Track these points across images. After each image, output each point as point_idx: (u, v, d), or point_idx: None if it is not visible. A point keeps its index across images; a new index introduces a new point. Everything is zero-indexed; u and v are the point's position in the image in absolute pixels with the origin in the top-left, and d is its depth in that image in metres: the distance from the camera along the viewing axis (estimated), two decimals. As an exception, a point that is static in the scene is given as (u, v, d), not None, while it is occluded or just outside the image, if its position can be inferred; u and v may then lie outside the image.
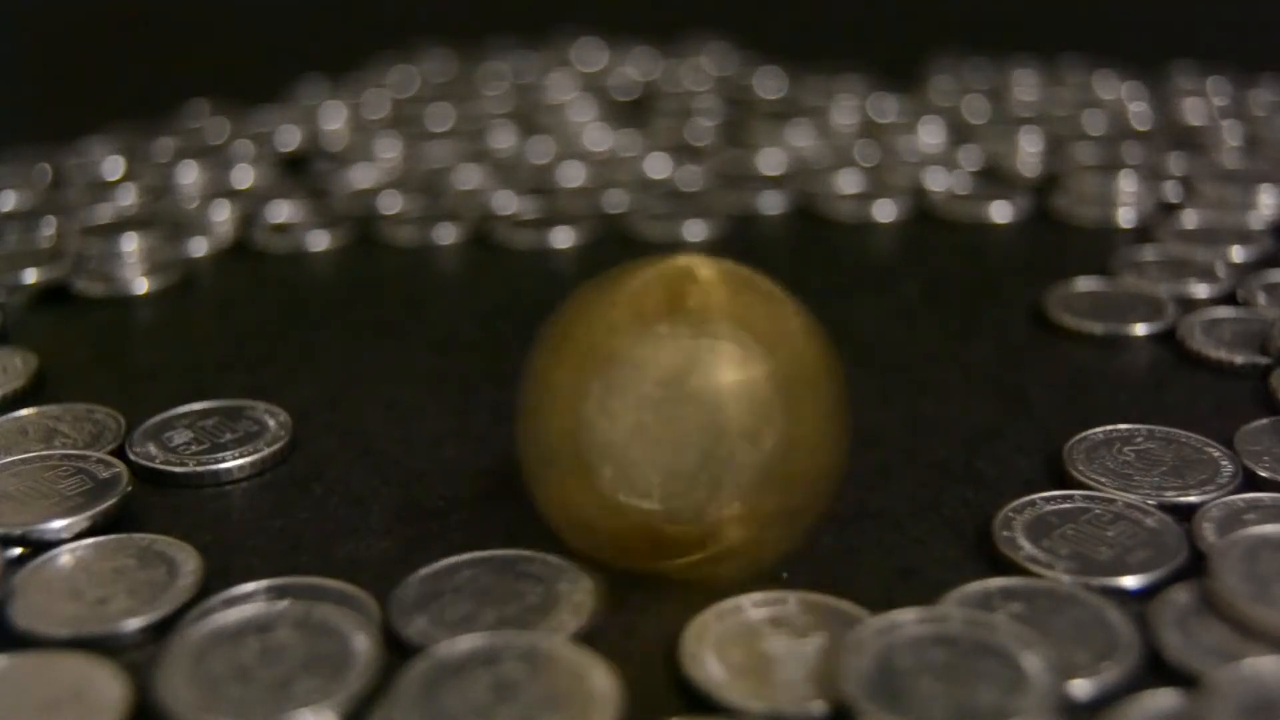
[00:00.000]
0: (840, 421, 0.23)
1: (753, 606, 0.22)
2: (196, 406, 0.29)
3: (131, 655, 0.22)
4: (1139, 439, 0.27)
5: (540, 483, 0.23)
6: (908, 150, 0.47)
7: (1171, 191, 0.42)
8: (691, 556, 0.22)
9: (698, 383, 0.21)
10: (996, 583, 0.23)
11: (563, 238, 0.40)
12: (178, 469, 0.27)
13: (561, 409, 0.22)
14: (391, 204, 0.43)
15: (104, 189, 0.44)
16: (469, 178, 0.45)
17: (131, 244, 0.39)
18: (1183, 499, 0.25)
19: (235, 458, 0.27)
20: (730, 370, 0.21)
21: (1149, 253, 0.37)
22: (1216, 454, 0.26)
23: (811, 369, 0.22)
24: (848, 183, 0.44)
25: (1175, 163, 0.44)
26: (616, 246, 0.40)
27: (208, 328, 0.36)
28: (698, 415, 0.21)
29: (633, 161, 0.46)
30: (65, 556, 0.24)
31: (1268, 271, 0.35)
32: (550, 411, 0.22)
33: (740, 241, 0.40)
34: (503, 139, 0.49)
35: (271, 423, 0.29)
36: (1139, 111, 0.50)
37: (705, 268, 0.22)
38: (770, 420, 0.21)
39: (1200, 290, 0.35)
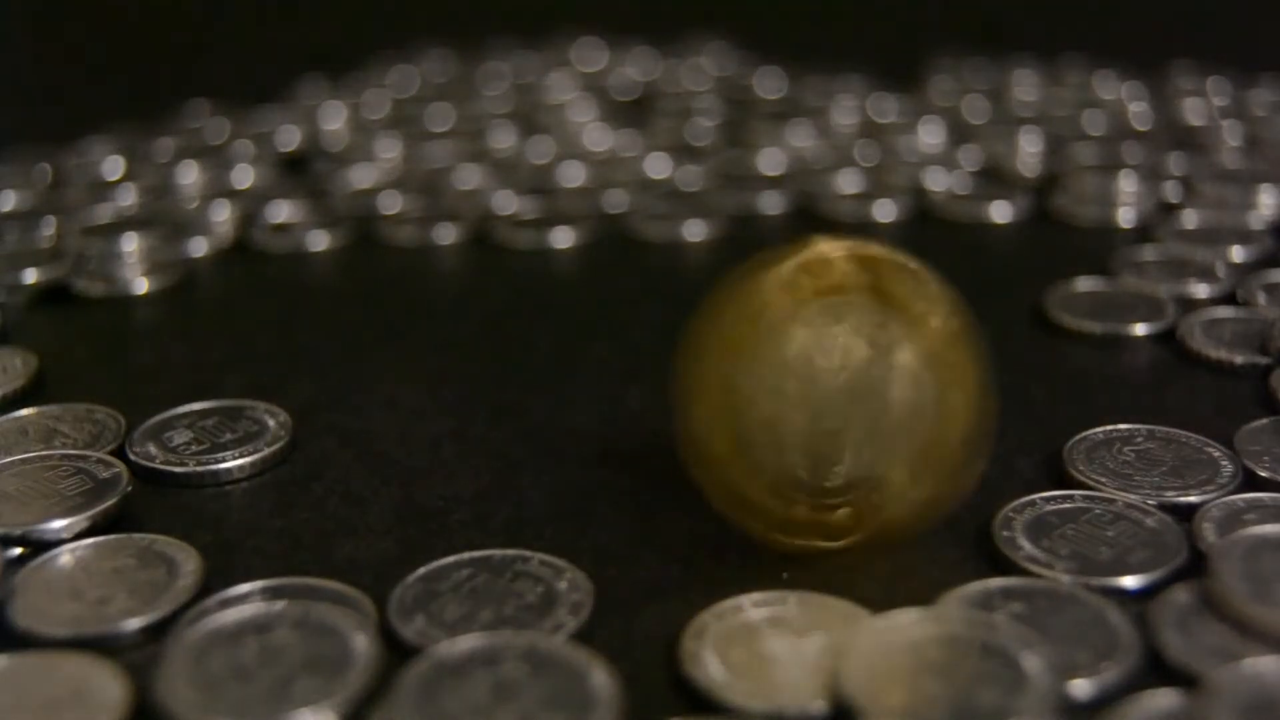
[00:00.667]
0: (986, 394, 0.23)
1: (752, 606, 0.22)
2: (196, 406, 0.29)
3: (131, 655, 0.22)
4: (1139, 439, 0.27)
5: (702, 467, 0.24)
6: (908, 150, 0.47)
7: (1171, 191, 0.42)
8: (850, 535, 0.23)
9: (853, 364, 0.22)
10: (996, 583, 0.23)
11: (563, 238, 0.40)
12: (178, 469, 0.27)
13: (720, 398, 0.23)
14: (391, 204, 0.43)
15: (104, 189, 0.44)
16: (469, 178, 0.45)
17: (131, 244, 0.39)
18: (1183, 499, 0.25)
19: (235, 458, 0.27)
20: (884, 349, 0.22)
21: (1149, 253, 0.37)
22: (1216, 454, 0.26)
23: (958, 343, 0.23)
24: (848, 183, 0.44)
25: (1175, 163, 0.44)
26: (616, 246, 0.40)
27: (208, 328, 0.36)
28: (854, 396, 0.22)
29: (633, 161, 0.46)
30: (65, 556, 0.24)
31: (1268, 271, 0.35)
32: (709, 400, 0.23)
33: (740, 241, 0.40)
34: (503, 139, 0.49)
35: (271, 423, 0.29)
36: (1139, 111, 0.50)
37: (847, 250, 0.23)
38: (924, 397, 0.22)
39: (1200, 290, 0.35)
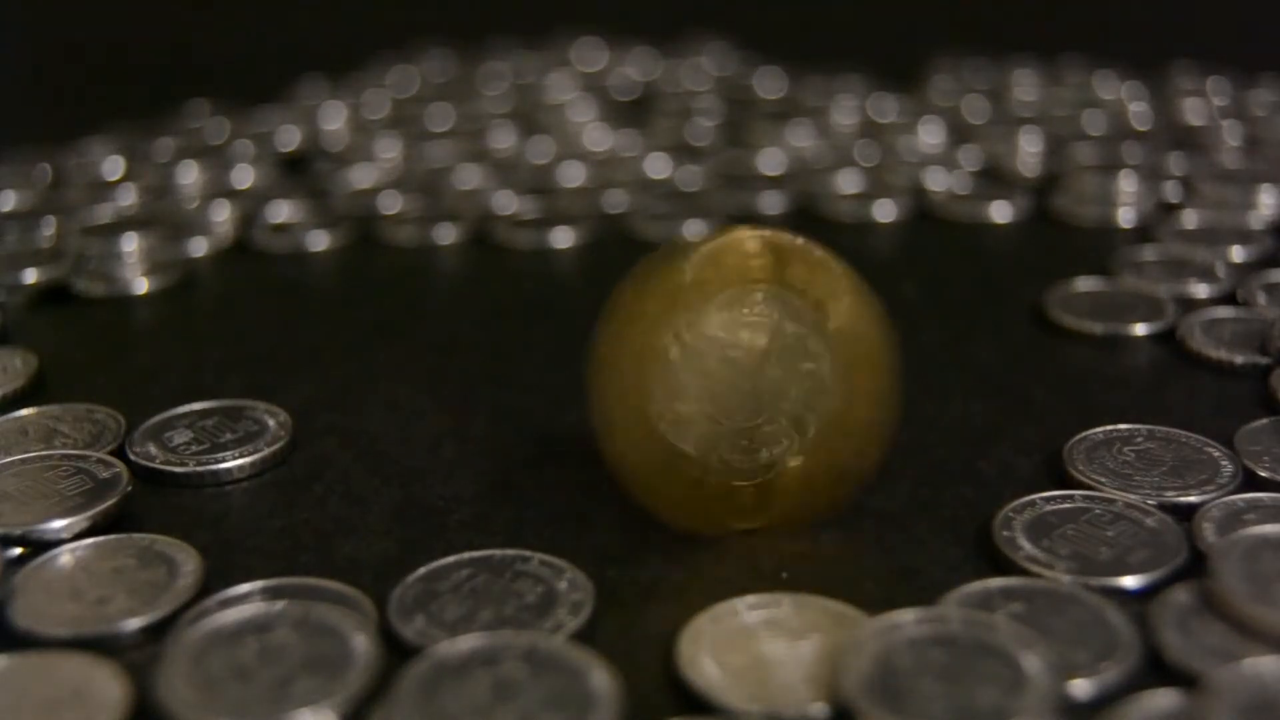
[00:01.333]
0: (893, 379, 0.24)
1: (747, 609, 0.22)
2: (196, 406, 0.29)
3: (131, 655, 0.22)
4: (1139, 439, 0.27)
5: (609, 443, 0.24)
6: (908, 150, 0.47)
7: (1171, 191, 0.42)
8: (751, 517, 0.24)
9: (757, 343, 0.23)
10: (996, 583, 0.23)
11: (563, 238, 0.40)
12: (178, 469, 0.27)
13: (630, 371, 0.23)
14: (391, 204, 0.43)
15: (104, 189, 0.44)
16: (469, 178, 0.45)
17: (131, 244, 0.39)
18: (1183, 499, 0.25)
19: (235, 458, 0.27)
20: (790, 330, 0.23)
21: (1149, 253, 0.37)
22: (1216, 454, 0.26)
23: (866, 330, 0.24)
24: (848, 183, 0.44)
25: (1175, 163, 0.44)
26: (616, 246, 0.40)
27: (208, 328, 0.36)
28: (759, 375, 0.23)
29: (633, 161, 0.46)
30: (65, 556, 0.24)
31: (1268, 271, 0.35)
32: (620, 374, 0.24)
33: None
34: (503, 139, 0.49)
35: (271, 423, 0.29)
36: (1139, 111, 0.50)
37: (761, 236, 0.24)
38: (828, 378, 0.23)
39: (1200, 290, 0.35)
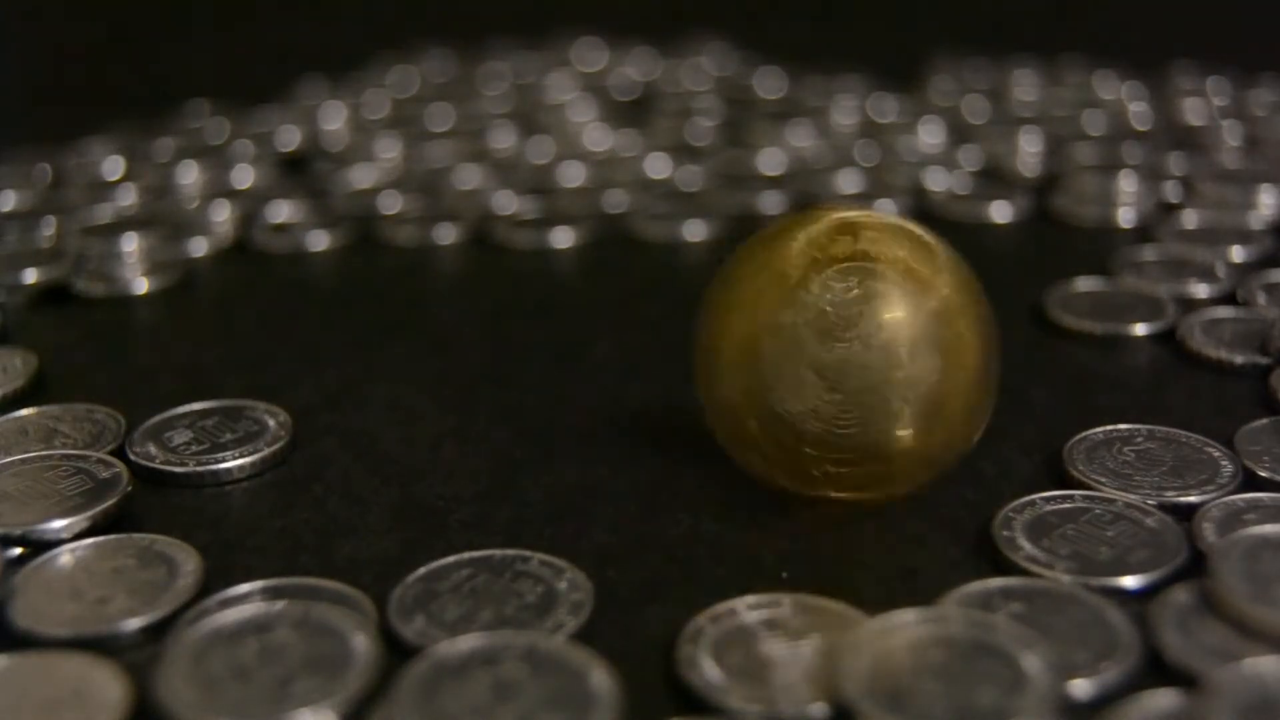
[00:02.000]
0: (993, 359, 0.25)
1: (747, 610, 0.22)
2: (196, 406, 0.29)
3: (131, 655, 0.22)
4: (1139, 439, 0.27)
5: (718, 416, 0.25)
6: (908, 150, 0.47)
7: (1171, 191, 0.42)
8: (859, 487, 0.25)
9: (866, 322, 0.23)
10: (996, 583, 0.23)
11: (563, 238, 0.40)
12: (178, 469, 0.27)
13: (738, 355, 0.24)
14: (391, 204, 0.43)
15: (104, 189, 0.44)
16: (469, 178, 0.45)
17: (131, 244, 0.39)
18: (1183, 499, 0.25)
19: (235, 458, 0.27)
20: (895, 310, 0.23)
21: (1149, 253, 0.37)
22: (1216, 454, 0.26)
23: (964, 312, 0.24)
24: (848, 183, 0.44)
25: (1175, 163, 0.44)
26: (616, 246, 0.40)
27: (208, 328, 0.36)
28: (867, 353, 0.23)
29: (633, 161, 0.46)
30: (65, 556, 0.24)
31: (1268, 271, 0.35)
32: (729, 357, 0.24)
33: (740, 242, 0.40)
34: (503, 139, 0.49)
35: (271, 423, 0.29)
36: (1139, 111, 0.50)
37: (866, 218, 0.25)
38: (932, 358, 0.24)
39: (1200, 290, 0.35)
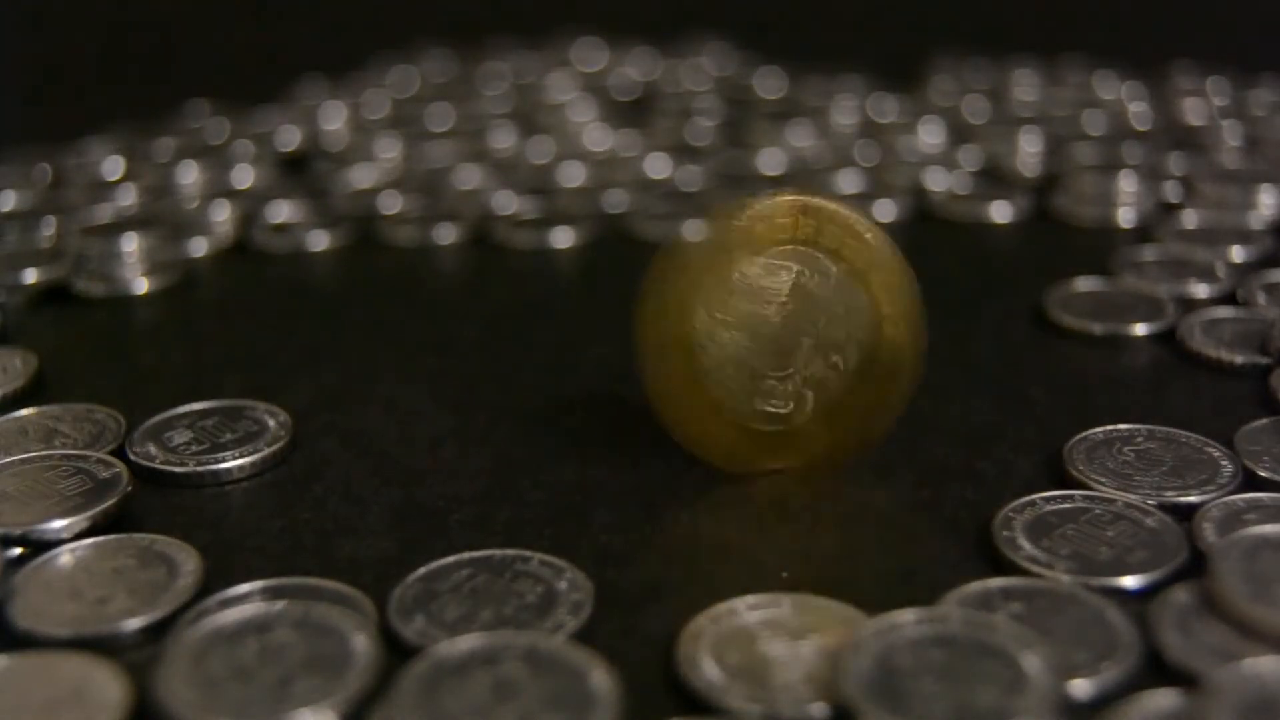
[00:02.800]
0: (918, 339, 0.26)
1: (747, 609, 0.22)
2: (196, 406, 0.29)
3: (131, 655, 0.22)
4: (1139, 439, 0.27)
5: (653, 382, 0.26)
6: (908, 150, 0.47)
7: (1171, 191, 0.42)
8: (783, 456, 0.26)
9: (794, 295, 0.25)
10: (996, 583, 0.23)
11: (563, 238, 0.40)
12: (178, 469, 0.27)
13: (676, 319, 0.25)
14: (391, 204, 0.43)
15: (104, 189, 0.44)
16: (469, 178, 0.45)
17: (131, 244, 0.39)
18: (1183, 499, 0.25)
19: (235, 458, 0.27)
20: (823, 286, 0.25)
21: (1149, 253, 0.37)
22: (1216, 454, 0.26)
23: (898, 290, 0.26)
24: (848, 183, 0.44)
25: (1175, 163, 0.44)
26: (616, 246, 0.40)
27: (208, 328, 0.36)
28: (794, 324, 0.25)
29: (633, 161, 0.46)
30: (65, 556, 0.24)
31: (1268, 271, 0.35)
32: (665, 321, 0.25)
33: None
34: (503, 139, 0.49)
35: (271, 423, 0.29)
36: (1139, 111, 0.50)
37: (808, 199, 0.26)
38: (861, 306, 0.25)
39: (1200, 290, 0.35)
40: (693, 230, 0.26)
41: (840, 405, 0.26)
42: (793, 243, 0.25)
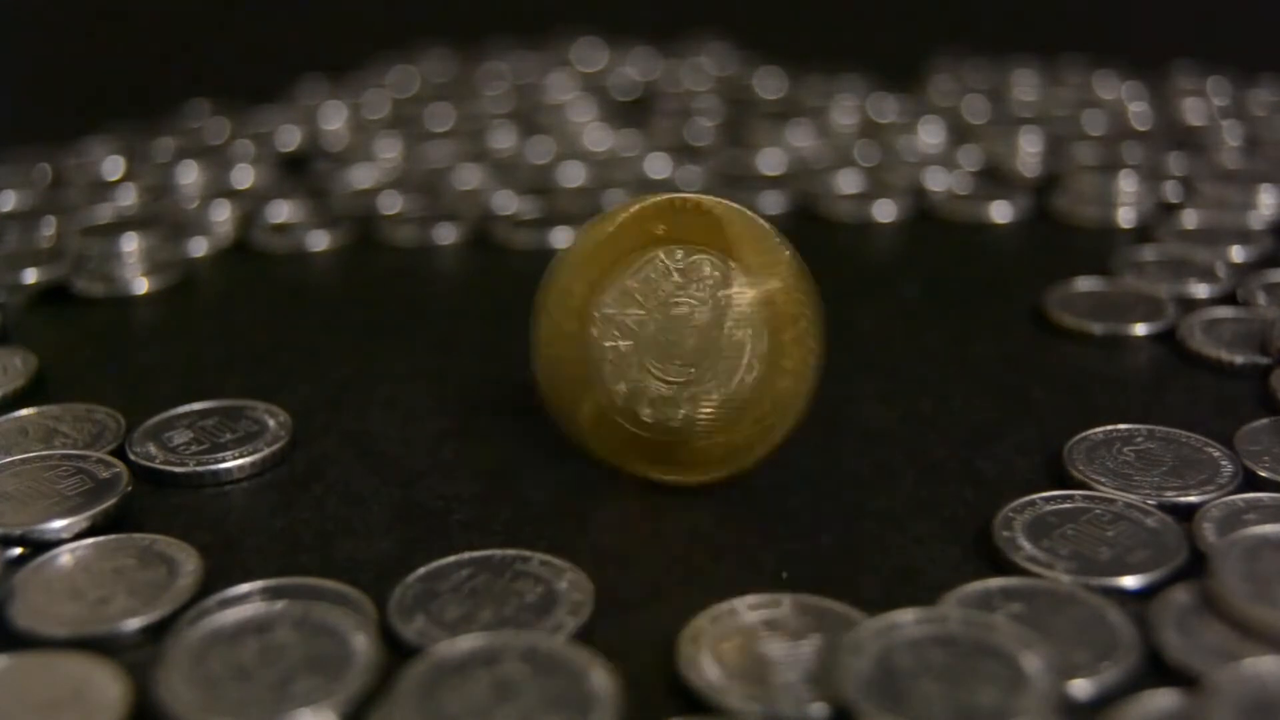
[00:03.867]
0: (817, 347, 0.25)
1: (747, 609, 0.22)
2: (196, 406, 0.29)
3: (131, 655, 0.22)
4: (1139, 439, 0.27)
5: (550, 391, 0.26)
6: (908, 150, 0.47)
7: (1171, 191, 0.42)
8: (677, 465, 0.26)
9: (687, 304, 0.25)
10: (996, 583, 0.23)
11: (563, 238, 0.40)
12: (178, 469, 0.27)
13: (569, 328, 0.25)
14: (391, 204, 0.43)
15: (104, 189, 0.44)
16: (469, 178, 0.45)
17: (131, 244, 0.39)
18: (1183, 499, 0.25)
19: (235, 458, 0.27)
20: (720, 293, 0.25)
21: (1149, 253, 0.37)
22: (1216, 454, 0.26)
23: (796, 297, 0.25)
24: (848, 183, 0.44)
25: (1175, 163, 0.44)
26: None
27: (208, 328, 0.36)
28: (688, 334, 0.25)
29: (633, 161, 0.46)
30: (65, 556, 0.24)
31: (1268, 271, 0.35)
32: (560, 331, 0.26)
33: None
34: (503, 139, 0.49)
35: (271, 423, 0.29)
36: (1139, 111, 0.50)
37: (702, 202, 0.25)
38: (753, 340, 0.25)
39: (1200, 290, 0.35)
40: (597, 222, 0.26)
41: (733, 416, 0.25)
42: (680, 244, 0.25)
